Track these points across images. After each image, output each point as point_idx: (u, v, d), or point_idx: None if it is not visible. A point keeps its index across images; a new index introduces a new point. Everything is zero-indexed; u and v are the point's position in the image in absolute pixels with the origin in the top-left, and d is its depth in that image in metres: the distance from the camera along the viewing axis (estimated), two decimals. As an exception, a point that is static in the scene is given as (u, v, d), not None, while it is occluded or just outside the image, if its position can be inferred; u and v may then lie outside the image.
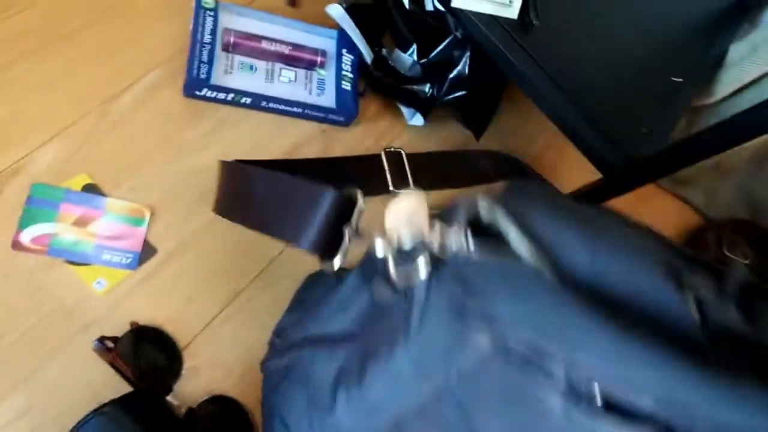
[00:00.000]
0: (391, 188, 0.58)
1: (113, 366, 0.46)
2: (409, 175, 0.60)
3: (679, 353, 0.23)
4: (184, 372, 0.49)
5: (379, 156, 0.59)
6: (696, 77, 0.69)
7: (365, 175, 0.58)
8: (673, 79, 0.67)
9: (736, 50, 0.71)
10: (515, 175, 0.67)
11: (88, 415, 0.40)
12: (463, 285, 0.28)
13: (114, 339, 0.47)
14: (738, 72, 0.69)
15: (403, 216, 0.30)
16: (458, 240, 0.28)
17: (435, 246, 0.29)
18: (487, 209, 0.28)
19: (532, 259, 0.26)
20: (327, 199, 0.37)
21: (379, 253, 0.32)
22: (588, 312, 0.25)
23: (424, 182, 0.61)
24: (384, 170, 0.59)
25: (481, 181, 0.65)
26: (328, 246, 0.38)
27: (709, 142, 0.52)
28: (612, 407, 0.25)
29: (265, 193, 0.41)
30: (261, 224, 0.41)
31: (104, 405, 0.40)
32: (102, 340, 0.46)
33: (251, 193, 0.43)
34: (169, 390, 0.48)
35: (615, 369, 0.24)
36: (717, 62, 0.72)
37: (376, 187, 0.58)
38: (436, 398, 0.30)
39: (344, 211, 0.38)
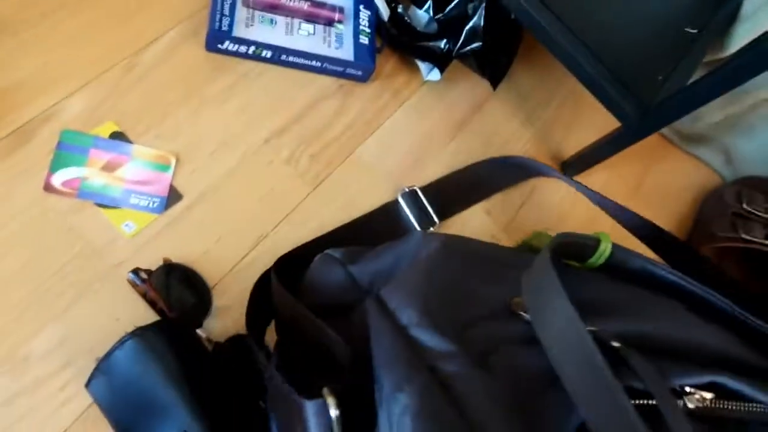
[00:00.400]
0: (418, 228, 0.60)
1: (145, 298, 0.47)
2: (430, 210, 0.61)
3: None
4: (212, 310, 0.51)
5: (396, 201, 0.60)
6: (711, 30, 0.70)
7: (390, 225, 0.59)
8: (687, 30, 0.67)
9: (750, 3, 0.71)
10: (524, 173, 0.67)
11: (123, 337, 0.41)
12: None
13: (148, 272, 0.48)
14: (752, 24, 0.69)
15: None
16: None
17: None
18: None
19: None
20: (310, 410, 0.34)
21: None
22: None
23: (447, 210, 0.62)
24: (405, 213, 0.60)
25: (498, 188, 0.66)
26: None
27: (716, 83, 0.53)
28: None
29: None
30: None
31: (139, 328, 0.41)
32: (136, 271, 0.48)
33: None
34: (198, 325, 0.49)
35: None
36: (731, 16, 0.72)
37: (405, 231, 0.59)
38: None
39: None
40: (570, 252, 0.41)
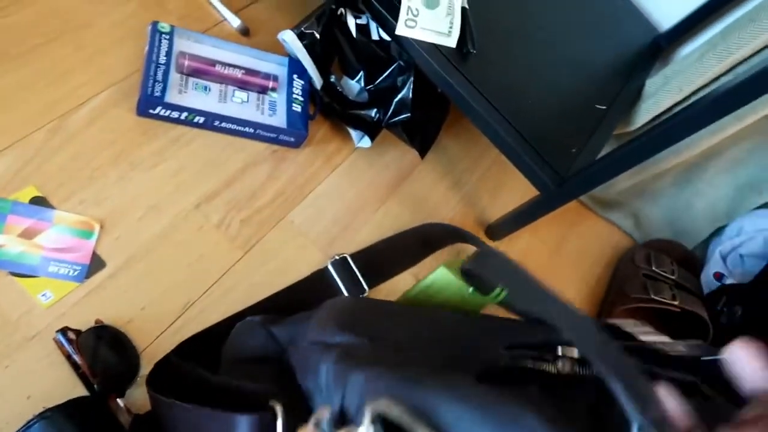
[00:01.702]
0: (345, 294, 0.60)
1: (69, 360, 0.45)
2: (360, 278, 0.62)
3: None
4: (138, 378, 0.49)
5: (326, 269, 0.61)
6: (618, 107, 0.76)
7: (318, 293, 0.59)
8: (597, 106, 0.73)
9: (651, 84, 0.79)
10: (454, 239, 0.70)
11: (30, 420, 0.39)
12: None
13: (77, 332, 0.46)
14: (654, 102, 0.76)
15: None
16: None
17: None
18: (391, 409, 0.29)
19: None
20: (244, 425, 0.36)
21: None
22: None
23: (377, 277, 0.64)
24: (335, 280, 0.61)
25: (425, 253, 0.69)
26: None
27: (623, 158, 0.58)
28: None
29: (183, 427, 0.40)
30: None
31: (48, 410, 0.39)
32: (65, 331, 0.45)
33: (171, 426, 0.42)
34: (121, 394, 0.47)
35: None
36: (636, 95, 0.80)
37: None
38: None
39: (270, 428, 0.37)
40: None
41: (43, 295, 0.50)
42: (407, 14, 0.62)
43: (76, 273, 0.51)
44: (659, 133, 0.55)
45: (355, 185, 0.69)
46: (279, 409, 0.34)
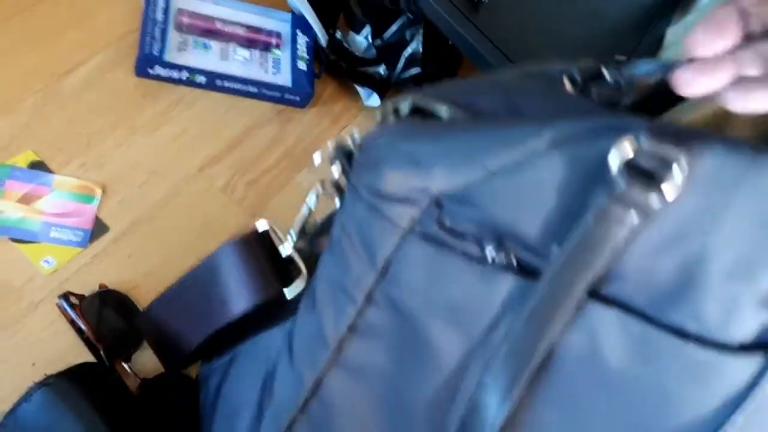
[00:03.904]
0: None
1: (73, 326, 0.44)
2: None
3: None
4: (144, 343, 0.48)
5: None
6: (638, 57, 0.72)
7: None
8: (616, 57, 0.70)
9: (672, 33, 0.75)
10: None
11: (32, 388, 0.37)
12: (373, 168, 0.28)
13: (80, 297, 0.45)
14: (675, 52, 0.72)
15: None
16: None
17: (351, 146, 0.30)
18: (400, 102, 0.29)
19: (450, 112, 0.27)
20: (228, 253, 0.37)
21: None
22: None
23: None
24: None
25: None
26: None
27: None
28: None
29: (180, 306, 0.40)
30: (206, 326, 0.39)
31: (50, 377, 0.38)
32: (67, 296, 0.44)
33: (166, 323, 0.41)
34: (128, 358, 0.46)
35: None
36: (656, 45, 0.76)
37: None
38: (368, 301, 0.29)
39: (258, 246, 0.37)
40: None
41: (45, 261, 0.48)
42: (415, -39, 0.59)
43: (78, 238, 0.50)
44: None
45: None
46: (267, 224, 0.36)
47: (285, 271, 0.38)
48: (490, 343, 0.27)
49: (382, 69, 0.66)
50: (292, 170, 0.61)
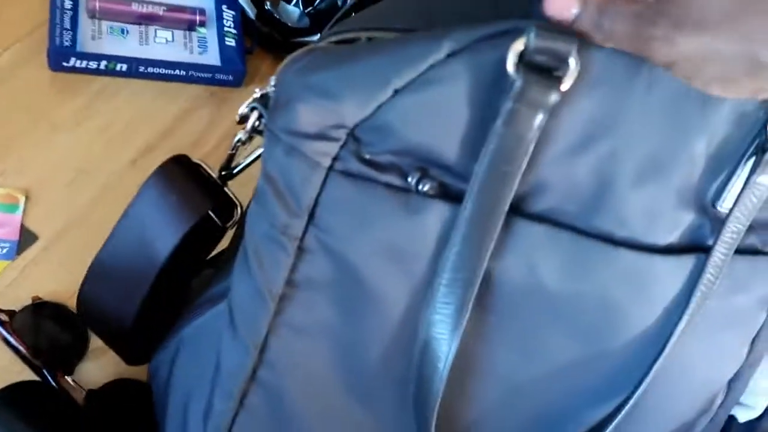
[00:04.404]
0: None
1: (6, 343, 0.41)
2: None
3: None
4: (88, 353, 0.45)
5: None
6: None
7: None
8: None
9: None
10: None
11: (-37, 416, 0.35)
12: (285, 107, 0.26)
13: (10, 313, 0.42)
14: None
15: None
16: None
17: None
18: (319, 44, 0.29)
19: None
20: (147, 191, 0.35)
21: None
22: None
23: None
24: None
25: None
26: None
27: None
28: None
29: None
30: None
31: (-20, 401, 0.36)
32: None
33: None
34: (70, 371, 0.44)
35: None
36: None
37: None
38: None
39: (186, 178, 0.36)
40: None
41: (-29, 278, 0.45)
42: None
43: (5, 251, 0.47)
44: None
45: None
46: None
47: (217, 201, 0.36)
48: (431, 277, 0.26)
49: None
50: (231, 154, 0.58)
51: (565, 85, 0.22)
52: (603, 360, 0.28)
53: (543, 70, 0.22)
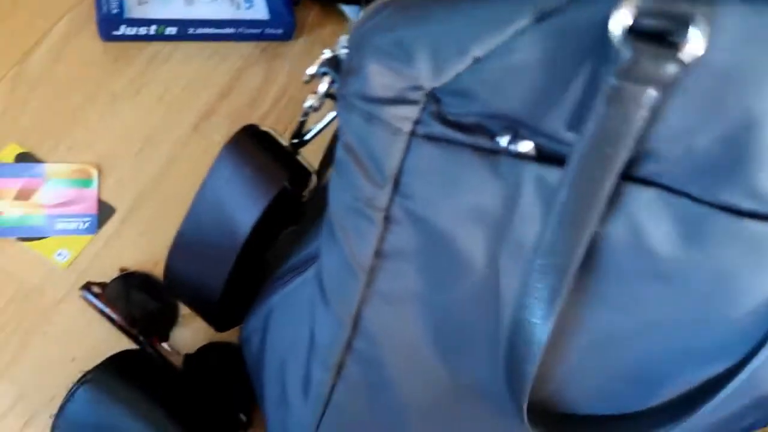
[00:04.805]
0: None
1: (103, 314, 0.42)
2: None
3: None
4: (180, 318, 0.46)
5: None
6: None
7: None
8: None
9: None
10: None
11: (72, 388, 0.36)
12: (357, 70, 0.25)
13: (102, 285, 0.43)
14: None
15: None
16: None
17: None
18: None
19: None
20: (227, 156, 0.34)
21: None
22: None
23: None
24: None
25: None
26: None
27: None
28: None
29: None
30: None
31: (87, 373, 0.36)
32: (88, 286, 0.42)
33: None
34: (165, 338, 0.45)
35: None
36: None
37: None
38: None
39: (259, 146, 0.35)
40: None
41: (58, 254, 0.46)
42: None
43: (86, 225, 0.47)
44: None
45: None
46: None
47: (291, 170, 0.35)
48: (522, 240, 0.25)
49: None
50: (290, 111, 0.57)
51: (686, 54, 0.19)
52: (712, 324, 0.26)
53: (655, 36, 0.19)
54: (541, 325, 0.25)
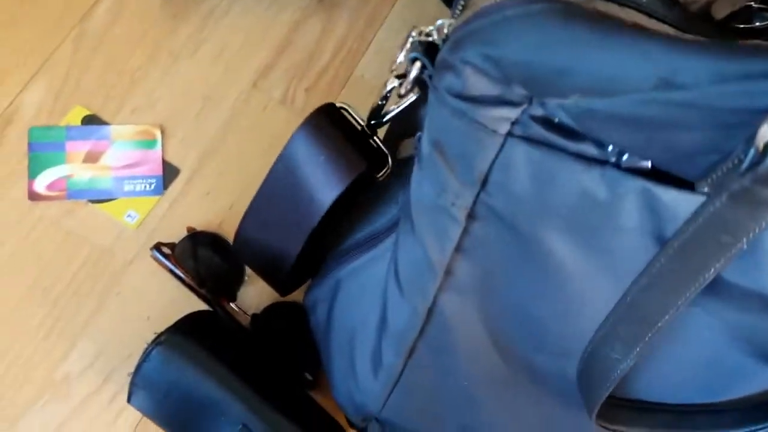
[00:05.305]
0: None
1: (173, 273, 0.43)
2: None
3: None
4: (246, 278, 0.46)
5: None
6: None
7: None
8: None
9: None
10: None
11: (147, 348, 0.37)
12: (454, 66, 0.23)
13: (171, 245, 0.44)
14: None
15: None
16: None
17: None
18: None
19: None
20: (300, 141, 0.33)
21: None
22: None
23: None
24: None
25: None
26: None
27: None
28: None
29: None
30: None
31: (160, 334, 0.37)
32: (158, 247, 0.43)
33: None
34: (233, 297, 0.45)
35: None
36: None
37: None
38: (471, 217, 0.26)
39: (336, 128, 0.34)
40: None
41: (128, 216, 0.47)
42: None
43: (153, 186, 0.48)
44: None
45: (425, 12, 0.58)
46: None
47: (366, 151, 0.34)
48: (617, 254, 0.24)
49: None
50: (349, 64, 0.55)
51: None
52: None
53: None
54: (621, 360, 0.24)
